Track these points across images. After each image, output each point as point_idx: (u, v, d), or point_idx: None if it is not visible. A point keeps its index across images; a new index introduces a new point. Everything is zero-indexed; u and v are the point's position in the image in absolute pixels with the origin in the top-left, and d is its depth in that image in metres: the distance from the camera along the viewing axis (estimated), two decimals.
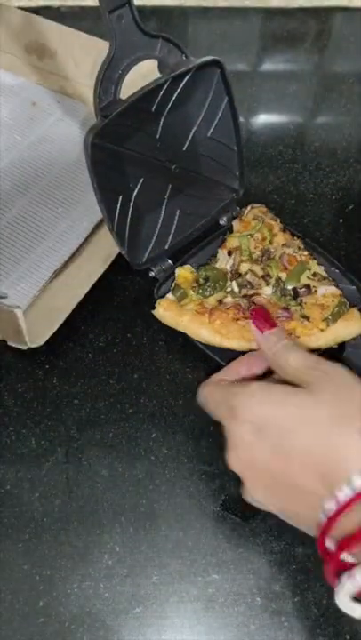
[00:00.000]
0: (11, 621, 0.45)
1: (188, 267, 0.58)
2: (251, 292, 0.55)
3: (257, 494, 0.43)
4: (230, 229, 0.61)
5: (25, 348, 0.54)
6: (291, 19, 0.84)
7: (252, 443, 0.41)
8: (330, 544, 0.39)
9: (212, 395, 0.47)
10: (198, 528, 0.48)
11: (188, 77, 0.52)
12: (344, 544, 0.37)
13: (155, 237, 0.59)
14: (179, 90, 0.53)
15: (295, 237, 0.59)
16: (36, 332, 0.53)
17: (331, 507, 0.38)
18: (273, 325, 0.48)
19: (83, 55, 0.69)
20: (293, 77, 0.79)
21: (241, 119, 0.73)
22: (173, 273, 0.58)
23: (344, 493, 0.37)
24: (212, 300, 0.55)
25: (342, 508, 0.37)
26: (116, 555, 0.48)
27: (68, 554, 0.48)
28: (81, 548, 0.48)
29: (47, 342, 0.53)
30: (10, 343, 0.55)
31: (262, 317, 0.49)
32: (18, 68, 0.73)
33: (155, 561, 0.47)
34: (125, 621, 0.45)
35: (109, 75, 0.49)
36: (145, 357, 0.56)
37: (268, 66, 0.81)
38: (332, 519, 0.38)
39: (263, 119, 0.75)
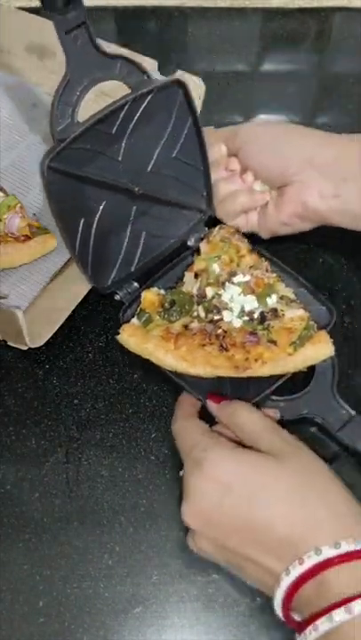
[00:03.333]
0: (11, 621, 0.45)
1: (154, 290, 0.55)
2: (217, 316, 0.52)
3: (206, 549, 0.43)
4: (198, 251, 0.58)
5: (25, 348, 0.54)
6: (291, 19, 0.84)
7: (213, 503, 0.41)
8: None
9: (182, 435, 0.47)
10: None
11: (150, 98, 0.50)
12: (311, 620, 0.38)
13: (120, 260, 0.56)
14: (140, 111, 0.51)
15: (264, 259, 0.57)
16: (36, 332, 0.53)
17: (288, 580, 0.38)
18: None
19: None
20: (293, 78, 0.79)
21: (240, 120, 0.73)
22: (140, 296, 0.55)
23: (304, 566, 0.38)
24: (177, 326, 0.53)
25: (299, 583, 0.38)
26: (116, 554, 0.48)
27: (68, 554, 0.48)
28: (81, 548, 0.48)
29: (47, 342, 0.53)
30: (10, 343, 0.55)
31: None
32: (18, 68, 0.73)
33: (155, 561, 0.47)
34: (125, 621, 0.45)
35: (66, 98, 0.47)
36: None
37: (267, 66, 0.81)
38: (290, 594, 0.39)
39: (263, 120, 0.75)
